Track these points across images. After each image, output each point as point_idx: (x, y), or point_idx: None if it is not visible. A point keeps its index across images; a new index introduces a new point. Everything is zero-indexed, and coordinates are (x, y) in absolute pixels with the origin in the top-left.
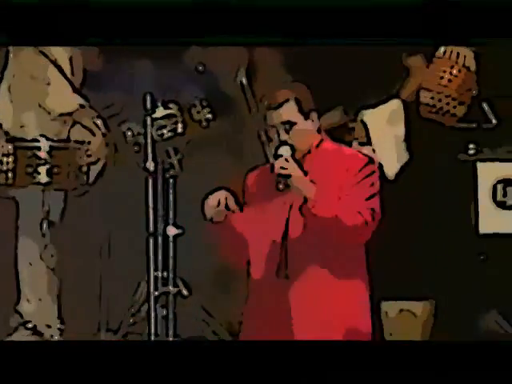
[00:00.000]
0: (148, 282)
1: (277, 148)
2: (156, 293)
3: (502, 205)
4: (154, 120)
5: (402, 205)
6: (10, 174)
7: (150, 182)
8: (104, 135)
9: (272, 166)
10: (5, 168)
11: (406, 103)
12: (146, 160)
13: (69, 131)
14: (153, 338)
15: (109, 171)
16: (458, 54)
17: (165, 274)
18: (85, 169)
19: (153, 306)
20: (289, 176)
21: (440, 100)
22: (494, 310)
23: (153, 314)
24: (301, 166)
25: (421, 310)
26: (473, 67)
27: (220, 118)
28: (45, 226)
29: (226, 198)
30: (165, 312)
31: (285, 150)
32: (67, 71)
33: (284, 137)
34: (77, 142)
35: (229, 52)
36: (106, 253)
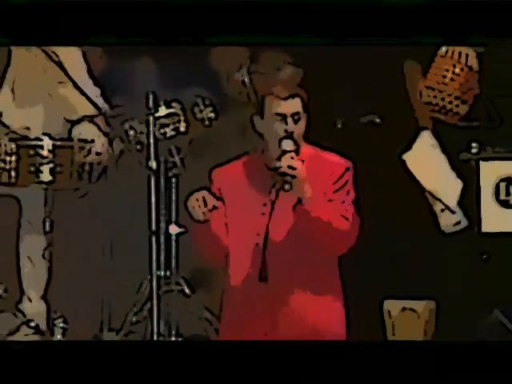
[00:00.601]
0: (151, 280)
1: (280, 140)
2: (159, 292)
3: (504, 203)
4: (156, 119)
5: (404, 203)
6: (12, 173)
7: (153, 180)
8: (107, 134)
9: (271, 160)
10: (7, 167)
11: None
12: (148, 159)
13: (71, 130)
14: (155, 337)
15: (111, 170)
16: (460, 53)
17: (167, 272)
18: (87, 168)
19: (155, 305)
20: (295, 176)
21: (443, 99)
22: (497, 309)
23: (155, 313)
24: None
25: (423, 308)
26: (475, 66)
27: (222, 117)
28: (47, 224)
29: (204, 198)
30: (167, 311)
31: (289, 145)
32: (82, 71)
33: (292, 127)
34: (80, 140)
35: (231, 51)
36: (109, 252)
